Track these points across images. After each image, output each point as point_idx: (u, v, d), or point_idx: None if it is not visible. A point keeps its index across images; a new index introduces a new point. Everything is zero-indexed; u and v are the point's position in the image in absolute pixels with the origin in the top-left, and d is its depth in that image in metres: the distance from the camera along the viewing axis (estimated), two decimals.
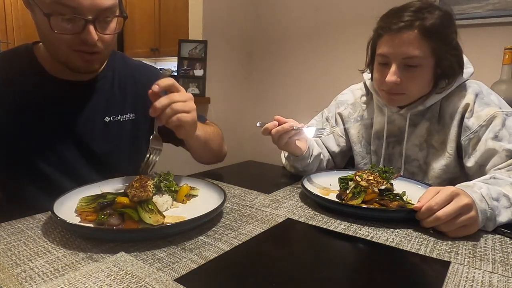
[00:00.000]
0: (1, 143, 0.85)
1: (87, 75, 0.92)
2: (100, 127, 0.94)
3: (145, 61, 1.10)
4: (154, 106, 0.77)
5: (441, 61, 0.93)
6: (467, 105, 0.96)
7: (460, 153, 0.99)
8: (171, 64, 4.32)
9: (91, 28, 0.75)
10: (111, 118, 0.95)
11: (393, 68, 0.94)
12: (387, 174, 0.85)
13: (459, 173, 1.01)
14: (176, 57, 2.55)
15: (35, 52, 0.90)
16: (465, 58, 1.02)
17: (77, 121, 0.91)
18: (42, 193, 0.89)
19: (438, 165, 1.02)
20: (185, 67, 2.50)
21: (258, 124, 0.99)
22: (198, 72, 2.49)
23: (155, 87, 0.79)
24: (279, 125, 0.95)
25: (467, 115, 0.96)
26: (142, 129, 1.03)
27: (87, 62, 0.82)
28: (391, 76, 0.94)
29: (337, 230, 0.72)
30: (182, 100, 0.80)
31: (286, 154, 1.11)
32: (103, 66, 0.96)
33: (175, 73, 2.56)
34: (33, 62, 0.88)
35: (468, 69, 1.00)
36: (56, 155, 0.89)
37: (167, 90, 0.81)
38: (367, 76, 1.12)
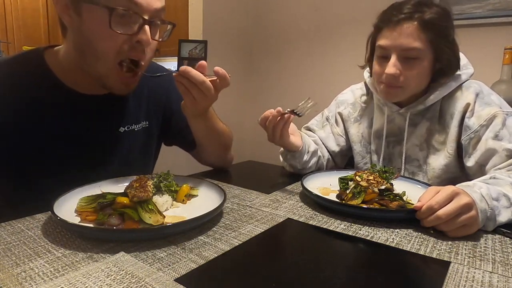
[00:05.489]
0: (10, 154, 0.81)
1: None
2: (113, 138, 0.91)
3: None
4: (188, 70, 0.78)
5: (439, 54, 0.94)
6: (468, 105, 0.96)
7: (460, 153, 0.99)
8: (171, 64, 4.32)
9: (147, 28, 0.75)
10: (126, 128, 0.92)
11: (393, 59, 0.94)
12: (387, 174, 0.85)
13: (459, 173, 1.01)
14: (176, 57, 2.55)
15: (47, 59, 0.84)
16: (465, 59, 1.02)
17: (89, 133, 0.87)
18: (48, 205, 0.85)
19: (438, 165, 1.02)
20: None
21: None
22: None
23: (216, 68, 0.80)
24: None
25: (467, 114, 0.96)
26: (154, 136, 1.01)
27: (126, 84, 0.80)
28: (391, 67, 0.94)
29: (337, 230, 0.72)
30: (208, 93, 0.80)
31: (284, 154, 1.11)
32: None
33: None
34: (46, 71, 0.83)
35: (468, 69, 1.01)
36: (64, 168, 0.85)
37: (216, 75, 0.81)
38: (367, 75, 1.13)
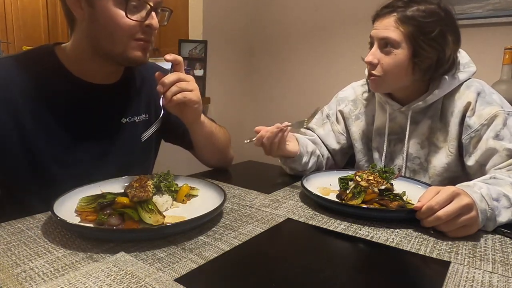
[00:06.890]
0: (18, 144, 0.83)
1: (113, 78, 0.94)
2: (116, 128, 0.95)
3: None
4: (162, 81, 0.84)
5: (418, 51, 0.94)
6: (469, 103, 0.95)
7: (461, 151, 0.99)
8: (171, 64, 4.32)
9: (154, 14, 0.83)
10: (127, 119, 0.97)
11: (373, 49, 0.98)
12: (387, 174, 0.85)
13: (460, 171, 1.01)
14: None
15: (58, 54, 0.88)
16: (467, 58, 1.02)
17: (95, 123, 0.91)
18: (49, 195, 0.87)
19: (440, 163, 1.02)
20: (185, 67, 2.48)
21: (247, 141, 1.02)
22: (198, 72, 2.49)
23: (168, 56, 0.86)
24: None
25: (468, 113, 0.95)
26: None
27: (144, 50, 0.86)
28: (368, 56, 0.98)
29: (337, 230, 0.72)
30: (187, 80, 0.87)
31: (282, 159, 1.11)
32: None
33: None
34: (56, 64, 0.87)
35: (470, 68, 1.00)
36: (70, 158, 0.88)
37: (174, 68, 0.88)
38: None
